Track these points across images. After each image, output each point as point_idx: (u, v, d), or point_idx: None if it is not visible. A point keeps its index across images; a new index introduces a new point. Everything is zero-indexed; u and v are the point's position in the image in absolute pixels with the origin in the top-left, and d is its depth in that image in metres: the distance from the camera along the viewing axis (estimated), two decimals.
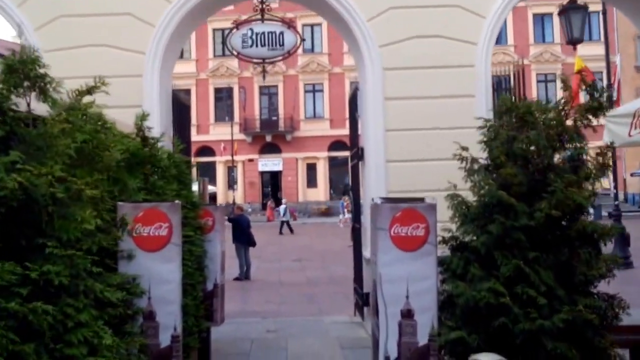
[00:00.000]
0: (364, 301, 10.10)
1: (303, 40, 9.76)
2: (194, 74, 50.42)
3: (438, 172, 9.55)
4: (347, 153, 49.27)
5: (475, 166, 4.22)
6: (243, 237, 17.89)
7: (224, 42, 52.15)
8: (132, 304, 4.30)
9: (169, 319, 4.40)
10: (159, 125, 8.86)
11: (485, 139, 4.23)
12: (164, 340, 4.38)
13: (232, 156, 47.57)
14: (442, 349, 4.19)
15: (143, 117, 5.76)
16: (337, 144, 49.71)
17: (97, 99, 6.39)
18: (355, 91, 10.31)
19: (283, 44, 9.57)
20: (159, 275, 4.41)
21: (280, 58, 9.78)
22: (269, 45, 9.52)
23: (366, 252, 9.89)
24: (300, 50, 50.17)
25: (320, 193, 50.44)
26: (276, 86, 50.89)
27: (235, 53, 9.80)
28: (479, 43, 9.52)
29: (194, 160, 44.65)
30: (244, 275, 17.66)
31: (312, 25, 50.39)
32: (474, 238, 4.07)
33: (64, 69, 8.43)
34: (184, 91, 51.54)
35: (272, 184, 51.84)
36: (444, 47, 9.49)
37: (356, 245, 11.06)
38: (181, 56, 50.51)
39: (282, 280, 17.72)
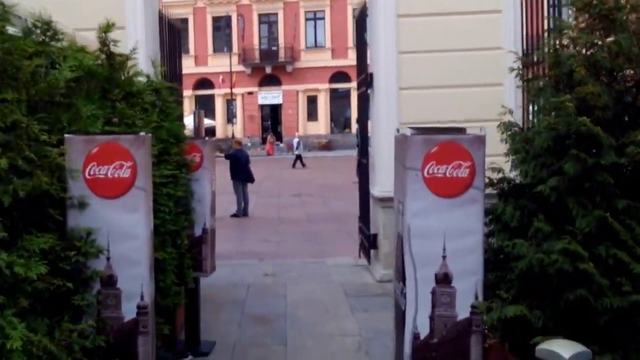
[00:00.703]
0: (371, 243, 9.16)
1: None
2: (191, 2, 48.32)
3: (459, 102, 8.45)
4: (349, 85, 47.92)
5: (540, 83, 3.12)
6: (241, 173, 16.93)
7: None
8: (86, 267, 3.30)
9: (135, 284, 3.39)
10: (144, 49, 7.73)
11: (553, 47, 3.09)
12: (129, 311, 3.39)
13: (231, 89, 46.08)
14: (490, 328, 3.20)
15: (107, 28, 4.61)
16: (338, 75, 48.23)
17: (72, 19, 5.27)
18: (363, 8, 9.07)
19: None
20: (120, 228, 3.37)
21: None
22: None
23: (374, 190, 8.90)
24: None
25: (321, 126, 49.15)
26: (276, 14, 48.95)
27: None
28: None
29: (192, 92, 43.41)
30: (242, 212, 16.82)
31: None
32: (538, 181, 3.02)
33: None
34: (180, 20, 49.53)
35: (272, 117, 50.46)
36: None
37: (362, 182, 10.05)
38: None
39: (281, 216, 16.87)
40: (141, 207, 3.44)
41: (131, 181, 3.42)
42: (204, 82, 48.43)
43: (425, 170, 3.15)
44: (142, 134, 3.59)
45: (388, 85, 8.31)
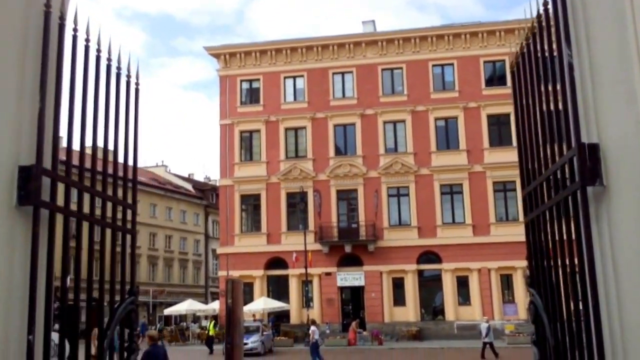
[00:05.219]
0: None
1: None
2: (264, 178, 45.22)
3: None
4: (439, 266, 42.08)
5: None
6: None
7: (296, 142, 46.58)
8: None
9: None
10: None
11: None
12: None
13: (306, 269, 41.09)
14: None
15: None
16: (427, 255, 42.85)
17: None
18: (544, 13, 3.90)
19: None
20: None
21: None
22: None
23: None
24: (382, 150, 44.17)
25: (410, 312, 42.72)
26: (355, 190, 44.84)
27: None
28: None
29: (264, 272, 37.63)
30: None
31: (394, 122, 45.03)
32: None
33: None
34: (252, 196, 46.10)
35: (352, 301, 44.55)
36: None
37: None
38: (250, 158, 45.67)
39: None
40: None
41: None
42: (277, 262, 43.94)
43: None
44: None
45: None
